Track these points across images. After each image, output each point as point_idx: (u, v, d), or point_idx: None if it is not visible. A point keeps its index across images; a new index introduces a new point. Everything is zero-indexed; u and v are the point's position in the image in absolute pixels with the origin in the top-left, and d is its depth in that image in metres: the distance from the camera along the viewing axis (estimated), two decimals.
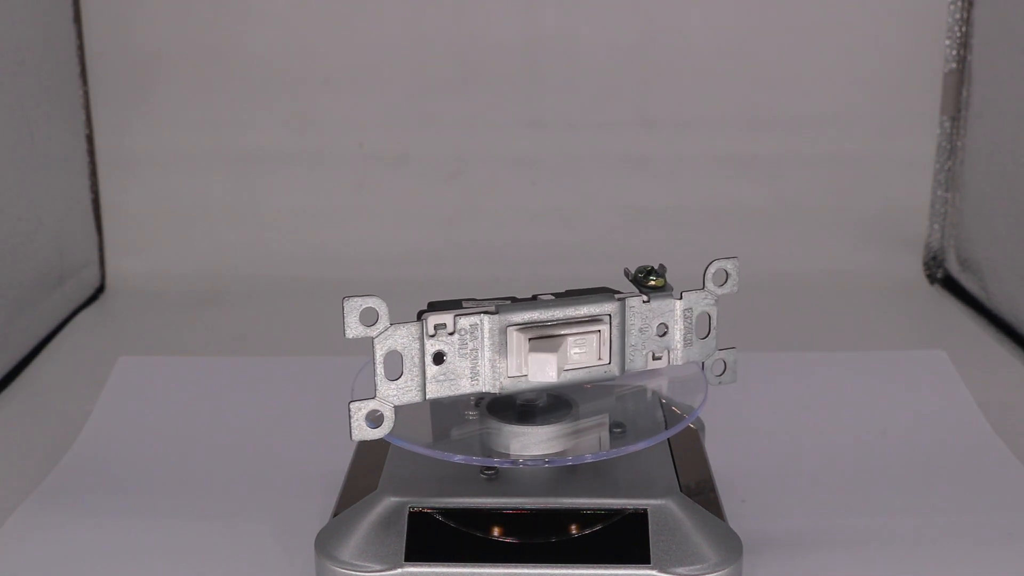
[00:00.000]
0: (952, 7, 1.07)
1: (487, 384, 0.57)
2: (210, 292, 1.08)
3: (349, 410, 0.54)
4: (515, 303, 0.57)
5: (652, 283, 0.61)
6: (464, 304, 0.57)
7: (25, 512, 0.66)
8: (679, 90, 1.10)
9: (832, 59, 1.09)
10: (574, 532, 0.56)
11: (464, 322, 0.55)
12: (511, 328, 0.56)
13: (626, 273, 0.62)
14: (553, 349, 0.56)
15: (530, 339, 0.56)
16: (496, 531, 0.56)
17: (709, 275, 0.62)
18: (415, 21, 1.09)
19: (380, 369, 0.54)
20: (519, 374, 0.57)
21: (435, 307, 0.56)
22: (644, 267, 0.61)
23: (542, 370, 0.56)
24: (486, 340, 0.56)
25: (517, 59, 1.09)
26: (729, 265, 0.62)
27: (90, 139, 1.09)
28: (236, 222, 1.13)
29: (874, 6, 1.08)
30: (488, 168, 1.12)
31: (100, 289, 1.11)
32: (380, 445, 0.63)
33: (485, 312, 0.56)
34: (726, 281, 0.63)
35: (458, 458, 0.57)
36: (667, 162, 1.12)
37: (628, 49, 1.09)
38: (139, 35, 1.08)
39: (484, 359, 0.56)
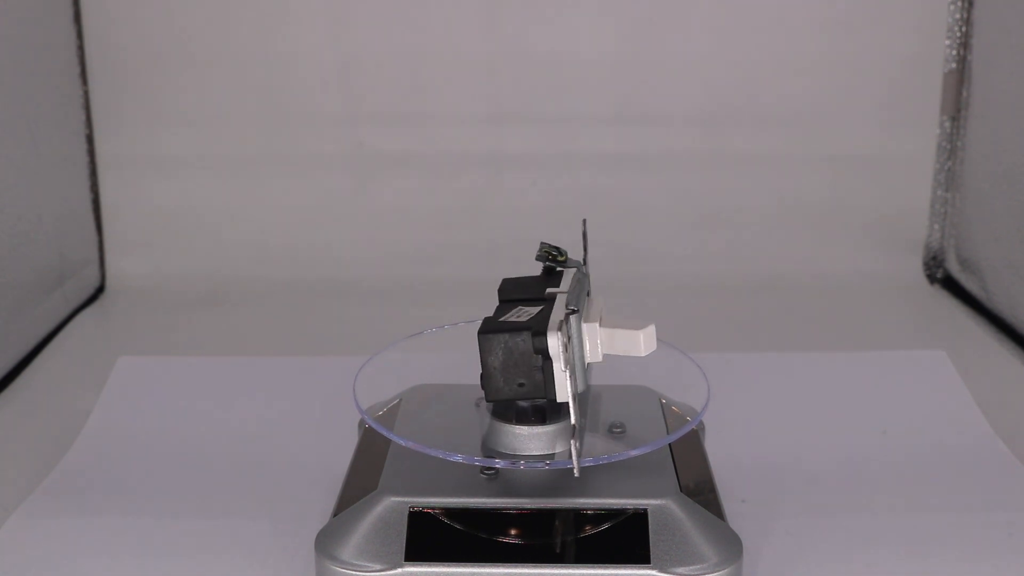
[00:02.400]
0: (952, 7, 1.07)
1: (580, 382, 0.56)
2: (210, 292, 1.08)
3: (571, 446, 0.53)
4: (567, 294, 0.58)
5: (563, 258, 0.63)
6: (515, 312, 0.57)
7: (25, 512, 0.66)
8: (678, 89, 1.10)
9: (832, 59, 1.09)
10: (574, 532, 0.56)
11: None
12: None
13: (541, 257, 0.64)
14: (640, 324, 0.57)
15: (599, 323, 0.57)
16: (496, 531, 0.56)
17: (586, 239, 0.67)
18: (415, 21, 1.09)
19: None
20: (591, 360, 0.57)
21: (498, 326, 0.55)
22: (551, 246, 0.64)
23: (651, 341, 0.57)
24: (574, 338, 0.56)
25: (517, 58, 1.09)
26: (585, 228, 0.67)
27: (90, 139, 1.09)
28: (236, 222, 1.13)
29: (874, 6, 1.08)
30: (488, 168, 1.12)
31: (100, 289, 1.11)
32: (380, 444, 0.63)
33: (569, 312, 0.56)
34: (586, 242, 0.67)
35: (459, 458, 0.57)
36: (666, 162, 1.12)
37: (627, 48, 1.09)
38: (139, 35, 1.08)
39: (575, 357, 0.56)
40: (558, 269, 0.63)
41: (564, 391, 0.54)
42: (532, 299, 0.59)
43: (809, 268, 1.11)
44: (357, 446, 0.66)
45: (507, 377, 0.55)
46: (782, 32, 1.09)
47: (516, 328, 0.55)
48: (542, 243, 0.64)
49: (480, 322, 0.57)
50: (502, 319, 0.56)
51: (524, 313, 0.57)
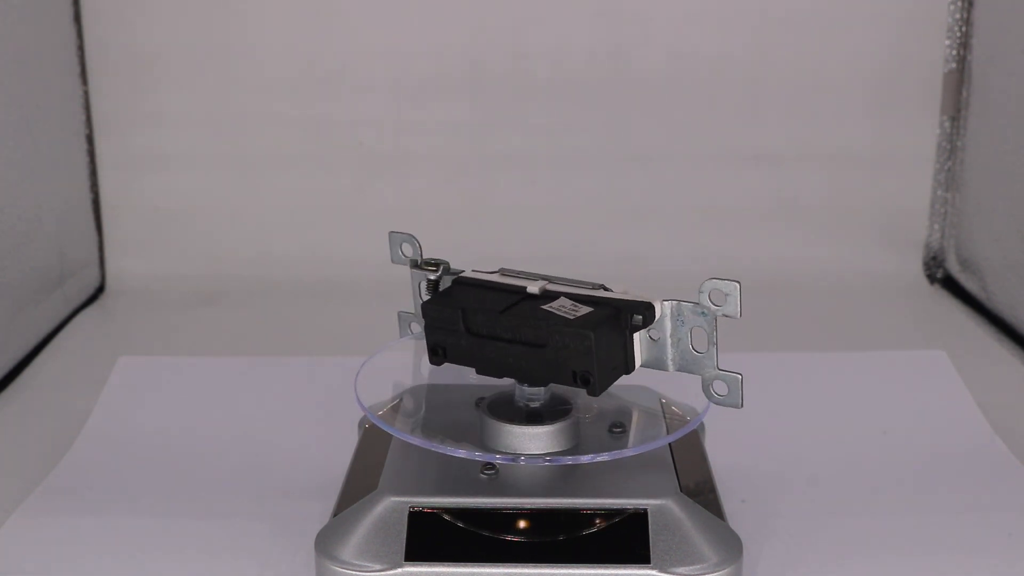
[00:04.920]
0: (952, 7, 1.07)
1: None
2: (210, 292, 1.08)
3: (738, 382, 0.57)
4: (556, 279, 0.60)
5: (436, 261, 0.63)
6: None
7: (25, 512, 0.66)
8: (678, 89, 1.10)
9: (832, 59, 1.09)
10: (574, 532, 0.56)
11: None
12: None
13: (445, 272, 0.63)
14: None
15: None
16: (496, 531, 0.56)
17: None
18: (415, 20, 1.09)
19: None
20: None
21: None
22: (437, 259, 0.64)
23: None
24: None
25: (517, 58, 1.09)
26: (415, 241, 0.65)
27: (90, 139, 1.09)
28: (236, 222, 1.13)
29: (874, 6, 1.08)
30: (488, 168, 1.12)
31: (100, 289, 1.11)
32: (381, 444, 0.63)
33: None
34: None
35: (460, 453, 0.57)
36: (666, 162, 1.12)
37: (628, 48, 1.09)
38: (139, 35, 1.08)
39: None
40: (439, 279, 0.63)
41: (639, 359, 0.58)
42: (519, 301, 0.58)
43: (809, 268, 1.11)
44: (357, 446, 0.67)
45: (610, 366, 0.56)
46: (781, 31, 1.09)
47: (610, 316, 0.56)
48: (428, 258, 0.63)
49: None
50: (575, 317, 0.56)
51: (565, 306, 0.57)
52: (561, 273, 0.62)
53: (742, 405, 0.57)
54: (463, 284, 0.61)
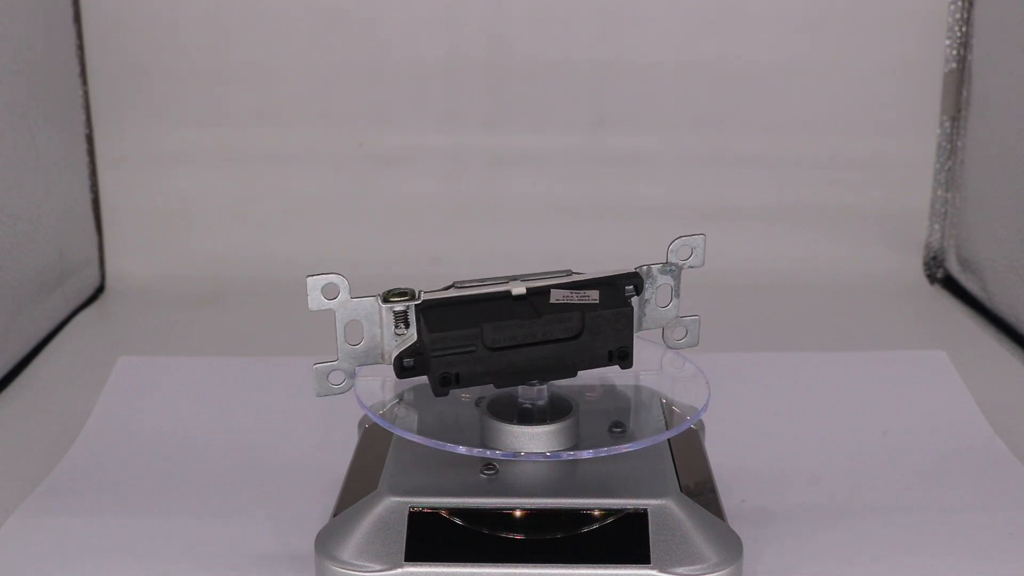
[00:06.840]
0: (952, 7, 1.07)
1: None
2: (210, 292, 1.08)
3: (691, 326, 0.63)
4: (523, 276, 0.60)
5: (406, 291, 0.58)
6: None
7: (25, 512, 0.66)
8: (678, 90, 1.10)
9: (832, 59, 1.09)
10: (574, 532, 0.56)
11: None
12: None
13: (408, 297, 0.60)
14: None
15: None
16: (496, 531, 0.56)
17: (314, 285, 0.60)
18: (416, 21, 1.09)
19: None
20: None
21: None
22: (403, 288, 0.59)
23: None
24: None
25: (517, 59, 1.09)
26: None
27: (90, 139, 1.09)
28: (236, 222, 1.13)
29: (874, 6, 1.08)
30: (488, 168, 1.12)
31: (100, 289, 1.11)
32: (381, 443, 0.63)
33: None
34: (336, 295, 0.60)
35: (460, 450, 0.57)
36: (667, 162, 1.12)
37: (628, 49, 1.09)
38: (139, 35, 1.08)
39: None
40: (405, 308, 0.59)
41: None
42: (515, 304, 0.58)
43: (809, 268, 1.11)
44: (357, 446, 0.67)
45: None
46: (782, 32, 1.09)
47: (622, 297, 0.59)
48: (397, 288, 0.59)
49: None
50: (600, 299, 0.57)
51: (571, 295, 0.57)
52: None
53: (697, 343, 0.63)
54: (434, 306, 0.58)
